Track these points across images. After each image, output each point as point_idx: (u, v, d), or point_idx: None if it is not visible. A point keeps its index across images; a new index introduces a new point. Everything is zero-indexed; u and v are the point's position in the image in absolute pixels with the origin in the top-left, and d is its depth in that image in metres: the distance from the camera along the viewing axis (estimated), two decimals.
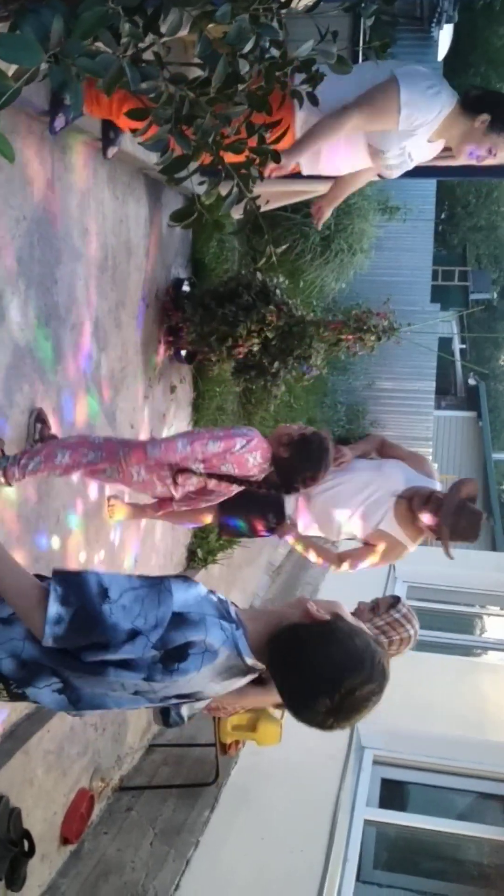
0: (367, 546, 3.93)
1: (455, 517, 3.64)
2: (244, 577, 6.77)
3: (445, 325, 14.00)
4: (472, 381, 17.05)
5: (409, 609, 3.16)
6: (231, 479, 3.34)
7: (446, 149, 3.26)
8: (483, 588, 8.22)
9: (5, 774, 3.14)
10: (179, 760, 4.27)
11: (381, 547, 3.86)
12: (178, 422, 5.31)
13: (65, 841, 3.62)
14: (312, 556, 4.00)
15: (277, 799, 4.09)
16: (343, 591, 6.91)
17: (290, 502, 4.04)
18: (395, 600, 3.19)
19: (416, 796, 5.08)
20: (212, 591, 1.78)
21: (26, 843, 3.21)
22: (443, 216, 19.78)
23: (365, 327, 4.94)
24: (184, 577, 1.75)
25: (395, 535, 3.83)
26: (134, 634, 1.61)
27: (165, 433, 5.03)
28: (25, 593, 1.63)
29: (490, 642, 8.22)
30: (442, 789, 4.95)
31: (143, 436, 4.64)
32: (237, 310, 4.78)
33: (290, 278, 6.24)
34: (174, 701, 1.79)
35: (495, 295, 22.21)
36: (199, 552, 5.73)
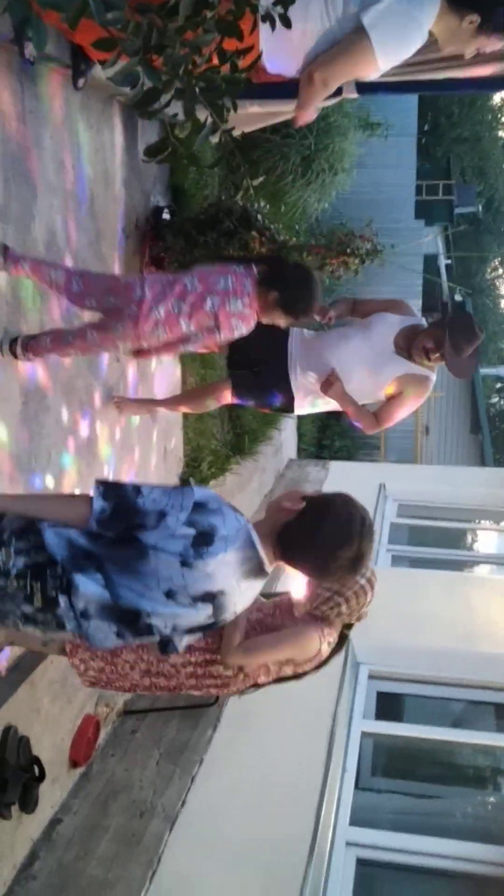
0: (394, 398, 4.03)
1: (452, 340, 3.77)
2: (236, 502, 6.80)
3: (431, 242, 13.83)
4: (458, 297, 16.94)
5: None
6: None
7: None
8: (472, 503, 8.33)
9: (12, 705, 3.25)
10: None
11: (407, 391, 3.99)
12: None
13: (74, 764, 3.77)
14: (352, 413, 4.09)
15: (277, 716, 4.22)
16: None
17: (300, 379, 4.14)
18: None
19: (410, 707, 5.26)
20: None
21: (36, 769, 3.34)
22: (426, 128, 19.34)
23: (348, 250, 4.91)
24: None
25: (417, 372, 3.96)
26: (162, 516, 1.98)
27: (153, 365, 5.03)
28: (74, 505, 2.05)
29: (479, 556, 8.39)
30: (435, 699, 5.12)
31: (131, 371, 4.64)
32: (219, 237, 4.73)
33: (271, 201, 6.14)
34: (200, 607, 2.04)
35: (480, 208, 21.87)
36: (192, 481, 5.79)
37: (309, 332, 4.31)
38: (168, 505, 2.00)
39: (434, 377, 4.05)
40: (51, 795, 3.55)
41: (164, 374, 5.28)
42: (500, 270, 30.41)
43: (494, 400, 28.63)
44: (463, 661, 5.03)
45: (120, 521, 1.98)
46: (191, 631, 2.12)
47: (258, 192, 5.17)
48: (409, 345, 3.94)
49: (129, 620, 2.04)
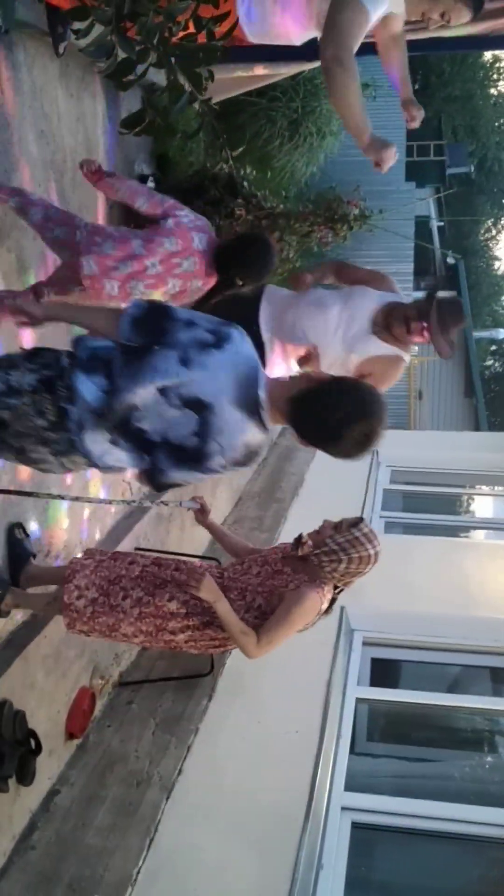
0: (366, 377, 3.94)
1: (439, 314, 3.69)
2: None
3: (422, 203, 13.67)
4: (450, 260, 16.81)
5: (371, 530, 3.23)
6: None
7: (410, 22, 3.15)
8: (466, 468, 8.33)
9: (6, 681, 3.26)
10: (175, 655, 4.39)
11: (378, 373, 3.82)
12: None
13: (70, 737, 3.80)
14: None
15: (272, 684, 4.25)
16: (329, 477, 7.01)
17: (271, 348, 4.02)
18: (358, 520, 3.26)
19: (405, 673, 5.30)
20: None
21: (33, 742, 3.37)
22: (416, 87, 19.04)
23: (336, 216, 4.85)
24: None
25: (389, 353, 3.82)
26: (191, 323, 2.13)
27: None
28: (110, 315, 2.19)
29: (474, 521, 8.40)
30: (430, 664, 5.16)
31: None
32: (204, 205, 4.68)
33: (258, 166, 6.05)
34: (188, 413, 2.12)
35: (472, 168, 21.59)
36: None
37: (280, 290, 4.11)
38: (198, 322, 2.16)
39: (407, 358, 3.92)
40: (48, 768, 3.58)
41: None
42: (494, 232, 30.20)
43: (489, 363, 28.58)
44: (457, 625, 5.06)
45: (152, 318, 2.14)
46: (179, 459, 2.17)
47: (244, 158, 5.10)
48: (387, 321, 3.79)
49: (122, 426, 2.15)
